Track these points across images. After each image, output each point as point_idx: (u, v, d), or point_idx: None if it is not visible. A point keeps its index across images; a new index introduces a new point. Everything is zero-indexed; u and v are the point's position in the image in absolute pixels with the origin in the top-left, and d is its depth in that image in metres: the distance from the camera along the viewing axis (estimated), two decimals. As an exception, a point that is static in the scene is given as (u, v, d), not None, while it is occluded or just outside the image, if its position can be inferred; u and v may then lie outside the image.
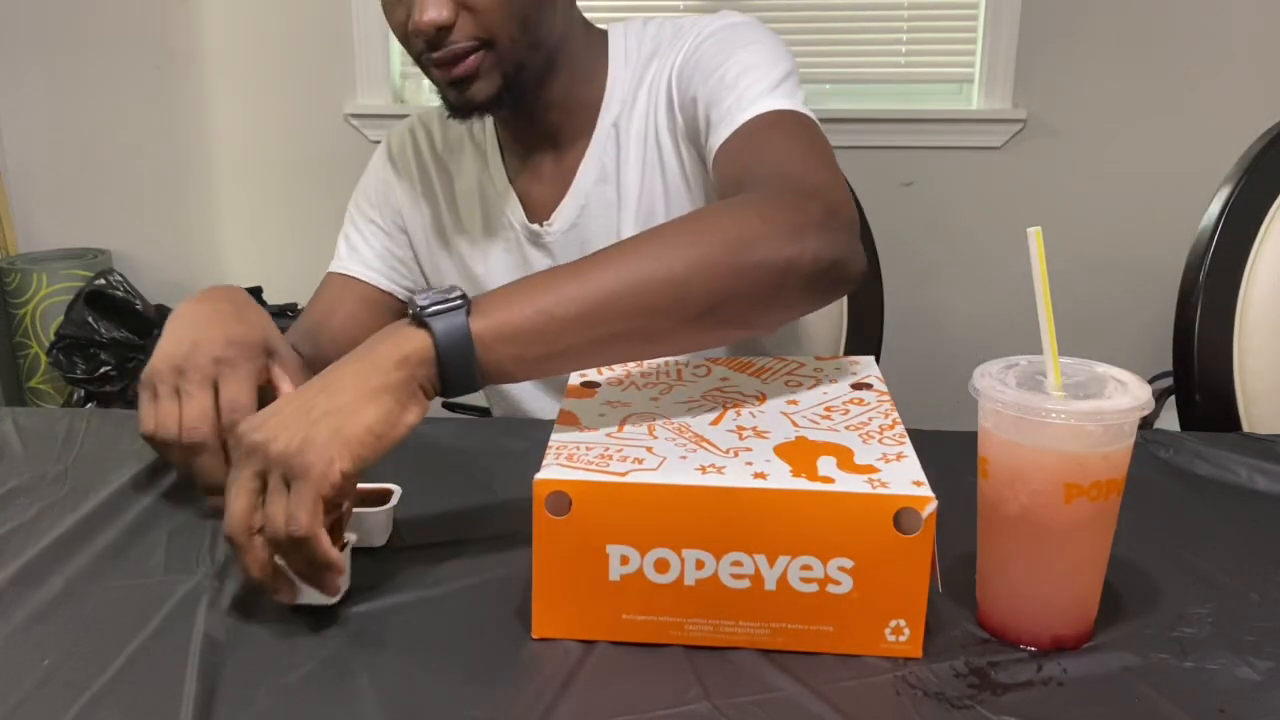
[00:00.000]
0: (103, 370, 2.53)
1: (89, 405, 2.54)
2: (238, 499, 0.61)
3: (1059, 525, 0.58)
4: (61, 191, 2.73)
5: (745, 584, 0.58)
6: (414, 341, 0.63)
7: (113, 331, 2.53)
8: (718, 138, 0.91)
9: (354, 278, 1.11)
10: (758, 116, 0.89)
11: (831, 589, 0.58)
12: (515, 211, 1.06)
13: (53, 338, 2.55)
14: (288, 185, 2.68)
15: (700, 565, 0.58)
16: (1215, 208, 1.15)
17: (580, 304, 0.65)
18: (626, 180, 1.02)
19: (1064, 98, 2.43)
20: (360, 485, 0.65)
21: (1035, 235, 0.60)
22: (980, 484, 0.62)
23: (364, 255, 1.12)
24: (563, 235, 1.04)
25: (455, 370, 0.63)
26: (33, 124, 2.68)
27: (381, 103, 2.58)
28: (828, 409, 0.69)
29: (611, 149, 1.02)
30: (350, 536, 0.67)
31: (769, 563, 0.58)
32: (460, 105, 0.95)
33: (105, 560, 0.71)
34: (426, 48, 0.91)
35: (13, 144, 2.70)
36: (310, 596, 0.64)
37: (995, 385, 0.60)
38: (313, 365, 1.01)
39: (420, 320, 0.63)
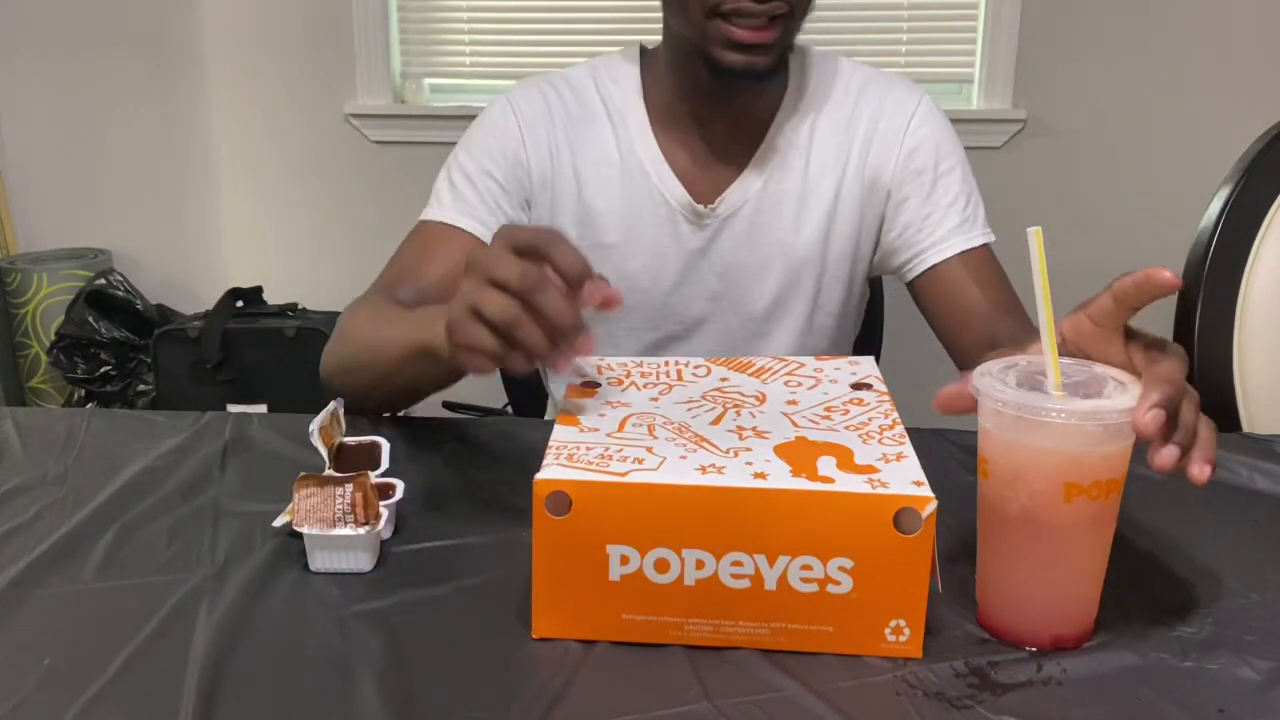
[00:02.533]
0: (103, 370, 2.53)
1: (89, 405, 2.54)
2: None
3: (1059, 525, 0.59)
4: (61, 191, 2.73)
5: (745, 584, 0.58)
6: None
7: (113, 331, 2.53)
8: (950, 245, 1.07)
9: (462, 230, 1.05)
10: (985, 246, 1.08)
11: (831, 589, 0.58)
12: (671, 188, 1.07)
13: (53, 337, 2.56)
14: (288, 185, 2.68)
15: (700, 565, 0.58)
16: (1215, 208, 1.15)
17: None
18: (818, 188, 1.07)
19: (1064, 98, 2.43)
20: (372, 480, 0.68)
21: (1036, 235, 0.60)
22: (980, 484, 0.62)
23: (475, 209, 1.06)
24: (725, 220, 1.07)
25: None
26: (33, 124, 2.68)
27: (381, 103, 2.58)
28: (828, 409, 0.69)
29: (798, 152, 1.07)
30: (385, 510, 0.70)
31: (769, 563, 0.58)
32: (742, 69, 0.97)
33: (105, 560, 0.71)
34: None
35: (13, 144, 2.70)
36: (343, 564, 0.67)
37: (995, 385, 0.59)
38: None
39: None
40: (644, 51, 1.11)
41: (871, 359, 0.79)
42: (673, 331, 1.11)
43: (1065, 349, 0.64)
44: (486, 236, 1.04)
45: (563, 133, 1.09)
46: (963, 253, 1.06)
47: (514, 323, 0.65)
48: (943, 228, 1.07)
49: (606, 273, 0.67)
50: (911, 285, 1.10)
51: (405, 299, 0.99)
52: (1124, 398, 0.58)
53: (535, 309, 0.65)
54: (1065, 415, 0.56)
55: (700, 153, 1.07)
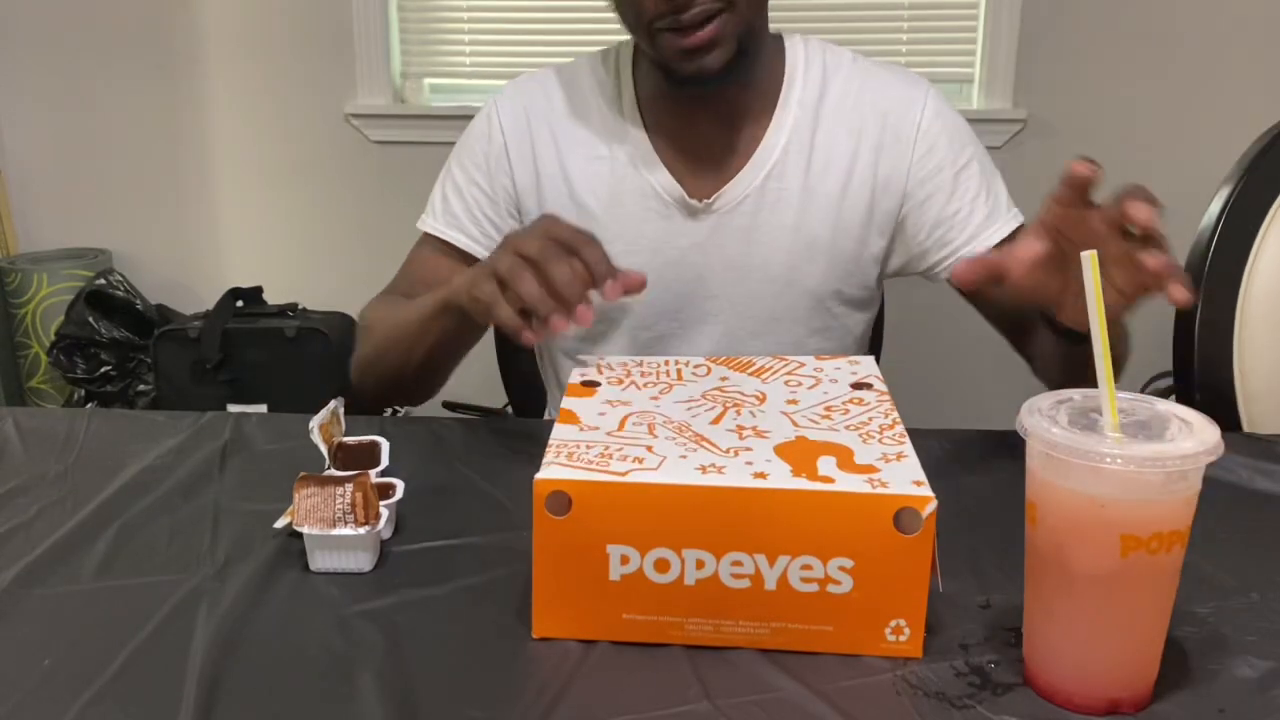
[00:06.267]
0: (103, 370, 2.53)
1: (89, 405, 2.54)
2: None
3: (1114, 581, 0.53)
4: (61, 191, 2.73)
5: (745, 584, 0.58)
6: None
7: (113, 331, 2.53)
8: (986, 237, 1.06)
9: (448, 242, 1.11)
10: (1019, 227, 1.06)
11: (831, 589, 0.58)
12: (665, 184, 1.06)
13: (53, 338, 2.55)
14: (288, 185, 2.68)
15: (700, 565, 0.58)
16: (1215, 208, 1.15)
17: None
18: (821, 187, 1.05)
19: (1064, 98, 2.43)
20: (373, 480, 0.69)
21: (1091, 260, 0.56)
22: (1028, 531, 0.56)
23: (461, 220, 1.11)
24: (722, 216, 1.06)
25: None
26: (33, 124, 2.68)
27: (381, 103, 2.58)
28: (828, 409, 0.69)
29: (800, 149, 1.05)
30: (385, 510, 0.70)
31: (769, 562, 0.58)
32: (693, 75, 0.96)
33: (105, 560, 0.71)
34: (670, 9, 0.92)
35: (13, 144, 2.70)
36: (343, 564, 0.68)
37: (1044, 424, 0.53)
38: None
39: None
40: (638, 46, 1.11)
41: (871, 359, 0.79)
42: (669, 330, 1.10)
43: (1049, 235, 0.69)
44: (473, 248, 1.10)
45: (548, 133, 1.09)
46: (998, 244, 1.05)
47: (515, 275, 0.79)
48: (973, 221, 1.06)
49: None
50: (952, 281, 1.07)
51: None
52: (1189, 441, 0.52)
53: (542, 273, 0.78)
54: (1123, 460, 0.50)
55: (695, 148, 1.06)
